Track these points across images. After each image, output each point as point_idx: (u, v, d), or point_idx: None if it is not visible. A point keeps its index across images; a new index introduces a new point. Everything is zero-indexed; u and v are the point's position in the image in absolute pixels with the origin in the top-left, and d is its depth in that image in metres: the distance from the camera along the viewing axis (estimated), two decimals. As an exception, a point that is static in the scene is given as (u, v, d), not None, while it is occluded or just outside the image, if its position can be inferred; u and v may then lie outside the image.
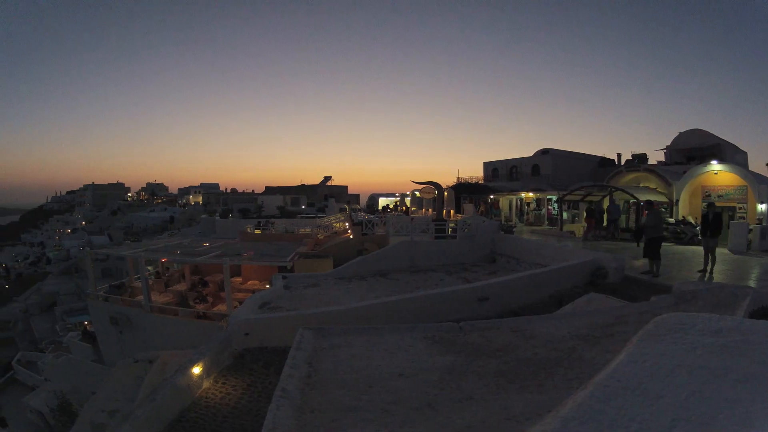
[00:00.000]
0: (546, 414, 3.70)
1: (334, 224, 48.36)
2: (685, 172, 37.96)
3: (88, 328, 49.51)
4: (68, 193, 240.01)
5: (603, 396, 3.52)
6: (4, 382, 40.56)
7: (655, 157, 60.03)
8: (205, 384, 11.37)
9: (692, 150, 53.23)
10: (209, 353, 12.11)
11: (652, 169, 41.73)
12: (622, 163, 60.43)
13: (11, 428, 30.90)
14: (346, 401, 6.37)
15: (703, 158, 44.49)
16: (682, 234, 29.53)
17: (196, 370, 11.30)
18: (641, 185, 39.95)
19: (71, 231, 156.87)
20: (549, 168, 62.91)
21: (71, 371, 32.72)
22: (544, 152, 66.21)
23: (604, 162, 64.83)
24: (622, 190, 37.12)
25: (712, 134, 53.64)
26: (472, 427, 5.57)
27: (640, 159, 58.83)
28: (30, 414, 30.14)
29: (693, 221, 31.85)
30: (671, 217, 35.48)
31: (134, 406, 11.19)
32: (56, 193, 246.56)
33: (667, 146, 57.16)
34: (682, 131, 56.48)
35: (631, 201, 36.61)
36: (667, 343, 4.18)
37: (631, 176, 42.60)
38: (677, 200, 36.59)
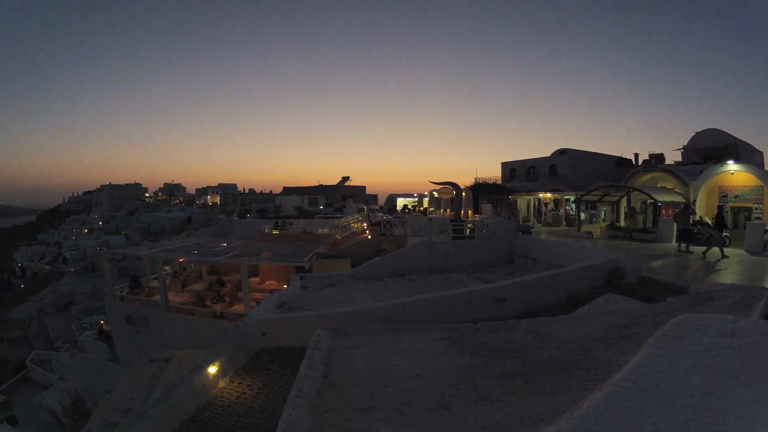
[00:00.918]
0: (561, 415, 3.70)
1: (352, 225, 48.29)
2: (701, 172, 37.62)
3: (104, 327, 49.61)
4: (85, 193, 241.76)
5: (619, 397, 3.54)
6: (17, 380, 40.79)
7: (672, 156, 59.66)
8: (221, 383, 11.41)
9: (709, 150, 52.74)
10: (225, 352, 12.14)
11: (669, 169, 41.26)
12: (639, 163, 60.02)
13: (22, 426, 30.99)
14: (362, 401, 6.39)
15: (720, 158, 44.06)
16: (699, 235, 29.29)
17: (212, 369, 11.34)
18: (658, 185, 39.52)
19: (88, 231, 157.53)
20: (566, 168, 62.73)
21: (86, 370, 32.79)
22: (562, 152, 65.91)
23: (622, 162, 64.52)
24: (640, 191, 36.80)
25: (729, 134, 53.19)
26: (487, 428, 5.58)
27: (657, 159, 58.50)
28: (42, 412, 30.27)
29: (710, 222, 31.65)
30: None
31: (148, 405, 11.23)
32: (73, 194, 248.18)
33: (684, 146, 56.76)
34: (698, 131, 56.16)
35: (649, 202, 36.36)
36: (683, 344, 4.19)
37: (648, 176, 42.11)
38: (694, 200, 36.18)
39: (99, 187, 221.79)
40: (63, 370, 36.07)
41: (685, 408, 3.19)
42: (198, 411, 10.35)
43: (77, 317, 70.63)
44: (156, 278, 33.96)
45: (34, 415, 31.42)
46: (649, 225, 35.32)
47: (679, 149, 57.52)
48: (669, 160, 57.42)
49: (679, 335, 4.34)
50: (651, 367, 3.90)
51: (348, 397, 6.52)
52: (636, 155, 64.21)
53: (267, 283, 34.36)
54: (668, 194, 36.48)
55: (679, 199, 36.22)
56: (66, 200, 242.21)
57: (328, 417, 5.91)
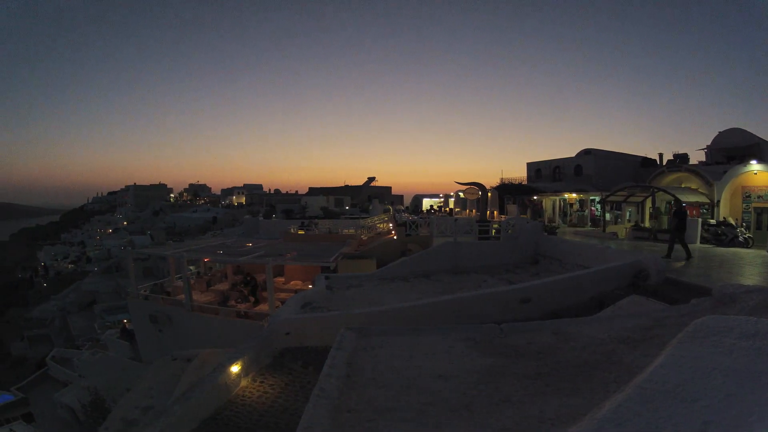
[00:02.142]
0: (581, 417, 3.71)
1: (378, 225, 48.30)
2: (725, 173, 37.37)
3: (126, 326, 49.88)
4: (110, 194, 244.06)
5: (640, 398, 3.57)
6: (36, 378, 40.99)
7: (696, 156, 59.27)
8: (243, 382, 11.47)
9: (732, 150, 52.14)
10: (249, 352, 12.20)
11: (694, 169, 40.90)
12: (664, 163, 59.54)
13: (38, 424, 31.15)
14: (384, 402, 6.42)
15: (743, 158, 43.60)
16: (723, 236, 29.05)
17: (235, 368, 11.39)
18: (683, 185, 39.24)
19: (112, 231, 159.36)
20: (591, 168, 62.31)
21: (107, 368, 33.05)
22: (587, 152, 65.67)
23: (646, 162, 63.86)
24: (664, 191, 36.46)
25: (752, 134, 52.68)
26: (506, 429, 5.58)
27: (681, 159, 57.82)
28: (60, 410, 30.40)
29: (733, 222, 31.37)
30: (712, 218, 34.76)
31: (169, 403, 11.28)
32: (97, 194, 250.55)
33: (707, 146, 56.37)
34: (721, 130, 55.76)
35: (673, 202, 36.09)
36: (705, 346, 4.19)
37: (673, 176, 41.80)
38: (718, 201, 35.94)
39: (123, 187, 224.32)
40: (83, 368, 36.31)
41: (705, 410, 3.20)
42: (219, 409, 10.42)
43: (100, 316, 71.24)
44: (181, 278, 34.09)
45: (52, 413, 31.59)
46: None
47: (703, 149, 57.09)
48: (693, 160, 56.81)
49: (702, 337, 4.33)
50: (673, 368, 3.90)
51: (370, 397, 6.55)
52: (660, 155, 63.82)
53: (292, 283, 34.43)
54: (693, 194, 36.20)
55: (704, 199, 36.00)
56: (90, 201, 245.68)
57: (349, 417, 5.94)
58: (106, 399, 27.27)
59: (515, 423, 5.66)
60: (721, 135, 55.33)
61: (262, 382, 11.58)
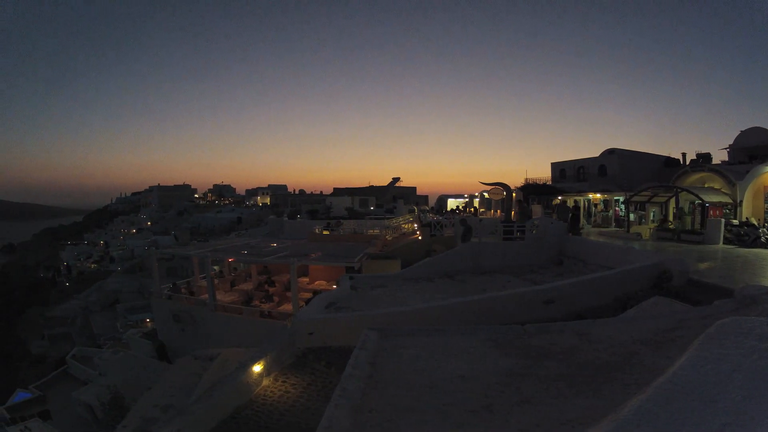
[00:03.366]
0: (601, 419, 3.74)
1: (403, 225, 48.34)
2: (747, 172, 37.08)
3: (148, 325, 50.19)
4: (133, 194, 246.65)
5: (661, 399, 3.59)
6: (55, 376, 41.17)
7: (720, 156, 58.86)
8: (265, 382, 11.55)
9: (754, 149, 51.57)
10: (271, 351, 12.29)
11: (716, 169, 40.50)
12: (687, 162, 59.07)
13: (55, 421, 31.30)
14: (405, 402, 6.44)
15: (765, 157, 43.37)
16: (745, 236, 28.79)
17: (257, 368, 11.47)
18: (706, 185, 38.89)
19: (136, 231, 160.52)
20: (615, 168, 62.20)
21: (128, 367, 33.16)
22: (611, 152, 65.57)
23: (670, 162, 63.55)
24: (688, 191, 36.39)
25: (774, 132, 52.37)
26: (526, 431, 5.59)
27: (704, 158, 57.41)
28: (78, 407, 30.56)
29: (756, 223, 31.12)
30: (735, 218, 34.34)
31: (189, 402, 11.35)
32: (121, 194, 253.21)
33: (729, 145, 55.98)
34: (743, 129, 55.28)
35: (696, 202, 35.91)
36: (726, 347, 4.19)
37: (696, 176, 41.45)
38: (741, 201, 35.59)
39: (147, 188, 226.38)
40: (104, 367, 36.48)
41: (723, 411, 3.22)
42: (239, 408, 10.52)
43: (122, 315, 71.53)
44: (204, 278, 34.26)
45: (70, 411, 31.76)
46: (697, 226, 34.77)
47: (725, 148, 56.73)
48: (716, 160, 56.38)
49: (723, 338, 4.33)
50: (693, 370, 3.92)
51: (392, 397, 6.58)
52: (683, 155, 63.40)
53: (316, 283, 34.60)
54: (716, 195, 35.91)
55: (726, 199, 35.71)
56: (114, 201, 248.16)
57: (370, 417, 5.97)
58: (126, 397, 27.40)
59: (535, 424, 5.68)
60: (743, 134, 54.86)
61: (284, 381, 11.65)
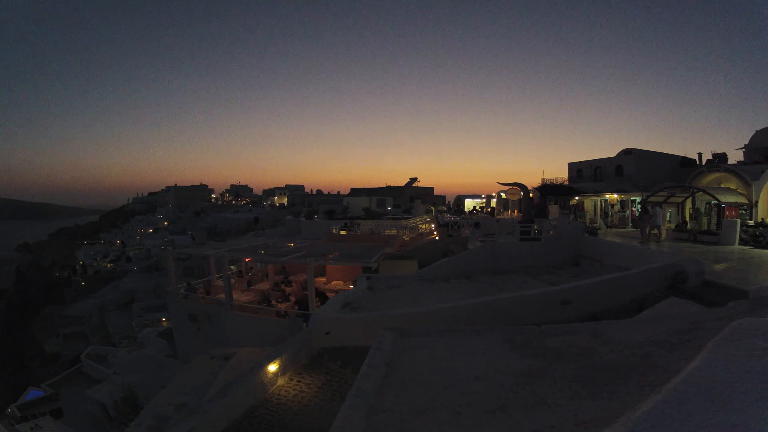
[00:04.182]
0: (615, 420, 3.75)
1: (420, 226, 48.13)
2: (762, 172, 36.84)
3: (165, 325, 50.35)
4: (150, 194, 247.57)
5: (675, 401, 3.60)
6: (69, 375, 41.41)
7: (735, 156, 58.52)
8: (280, 381, 11.61)
9: (768, 149, 51.64)
10: (287, 351, 12.36)
11: (732, 169, 40.21)
12: (703, 162, 59.18)
13: (67, 419, 31.39)
14: (420, 402, 6.48)
15: (780, 157, 43.32)
16: (761, 237, 28.61)
17: (272, 367, 11.53)
18: (722, 185, 38.70)
19: (153, 231, 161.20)
20: (632, 168, 62.17)
21: (143, 365, 33.38)
22: (627, 152, 65.48)
23: (686, 162, 63.34)
24: (704, 191, 36.19)
25: (788, 132, 52.03)
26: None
27: (720, 158, 57.02)
28: (91, 405, 30.70)
29: None
30: (750, 219, 34.24)
31: (204, 401, 11.39)
32: (138, 195, 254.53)
33: (745, 145, 55.65)
34: (758, 129, 54.91)
35: (713, 203, 35.72)
36: (739, 349, 4.22)
37: (712, 176, 41.29)
38: (756, 201, 35.40)
39: (164, 188, 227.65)
40: (119, 365, 36.71)
41: (734, 413, 3.24)
42: (253, 408, 10.56)
43: (138, 314, 71.90)
44: (221, 277, 34.34)
45: (82, 409, 31.87)
46: (713, 227, 34.58)
47: (741, 148, 56.39)
48: (732, 160, 56.01)
49: (736, 340, 4.35)
50: (707, 371, 3.95)
51: (407, 397, 6.63)
52: (699, 155, 63.41)
53: (333, 283, 34.60)
54: (732, 195, 35.71)
55: (742, 200, 35.50)
56: (130, 201, 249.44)
57: (384, 417, 6.02)
58: (140, 396, 27.48)
59: (549, 426, 5.71)
60: (759, 134, 54.45)
61: (299, 381, 11.70)
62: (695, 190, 37.44)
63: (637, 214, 43.23)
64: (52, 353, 72.40)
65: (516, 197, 41.99)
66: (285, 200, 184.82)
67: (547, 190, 57.81)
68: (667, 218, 39.88)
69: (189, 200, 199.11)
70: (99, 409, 30.33)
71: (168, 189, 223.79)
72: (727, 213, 33.18)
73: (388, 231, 44.43)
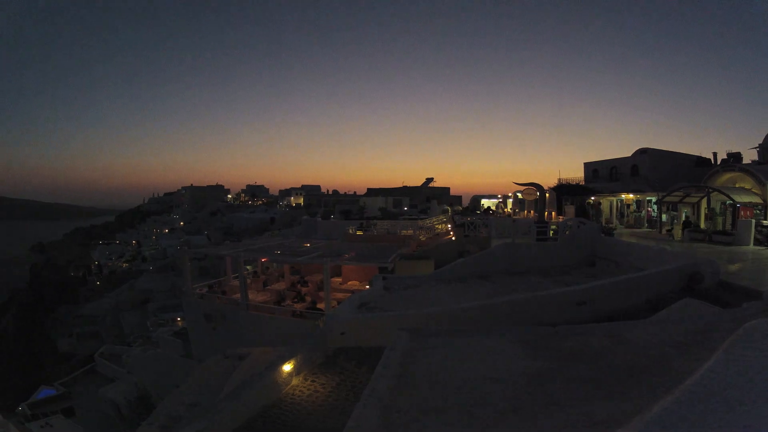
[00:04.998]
0: (627, 422, 3.76)
1: (436, 226, 48.20)
2: (776, 171, 36.67)
3: (180, 324, 50.49)
4: (166, 194, 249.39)
5: (689, 402, 3.62)
6: (82, 373, 41.58)
7: (749, 155, 58.40)
8: (294, 381, 11.63)
9: (781, 148, 51.50)
10: (302, 351, 12.41)
11: (747, 169, 40.09)
12: (718, 162, 58.72)
13: (79, 418, 31.48)
14: (433, 402, 6.48)
15: (794, 156, 43.22)
16: None
17: (287, 367, 11.56)
18: (737, 185, 38.54)
19: (168, 231, 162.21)
20: (647, 168, 62.03)
21: (157, 365, 33.41)
22: (643, 152, 65.27)
23: (701, 161, 63.15)
24: (719, 191, 36.28)
25: (802, 131, 51.87)
26: (552, 433, 5.58)
27: (734, 158, 56.80)
28: (103, 404, 30.78)
29: None
30: (765, 219, 33.90)
31: (217, 400, 11.42)
32: (153, 195, 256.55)
33: (759, 144, 55.45)
34: (770, 128, 54.73)
35: (728, 203, 35.64)
36: (753, 350, 4.23)
37: (727, 176, 41.12)
38: (769, 201, 35.33)
39: (180, 188, 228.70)
40: (133, 364, 36.78)
41: (746, 414, 3.26)
42: (267, 408, 10.57)
43: (153, 314, 72.05)
44: (237, 277, 34.41)
45: (95, 408, 31.97)
46: (728, 227, 34.52)
47: (755, 147, 56.17)
48: (746, 159, 55.79)
49: (750, 341, 4.36)
50: (720, 372, 3.96)
51: (420, 398, 6.62)
52: (714, 154, 63.11)
53: (349, 283, 34.73)
54: (746, 195, 35.56)
55: (757, 199, 35.34)
56: (146, 201, 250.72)
57: (398, 417, 6.02)
58: (153, 395, 27.58)
59: (562, 427, 5.71)
60: (771, 133, 54.32)
61: (313, 381, 11.71)
62: (710, 190, 37.33)
63: (653, 214, 43.21)
64: (66, 352, 72.65)
65: (532, 197, 42.17)
66: (301, 200, 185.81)
67: (563, 190, 57.88)
68: (682, 218, 39.81)
69: (205, 200, 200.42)
70: (111, 408, 30.39)
71: (184, 189, 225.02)
72: (743, 213, 33.06)
73: (405, 231, 44.47)
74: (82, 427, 30.43)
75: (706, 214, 37.51)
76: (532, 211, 47.76)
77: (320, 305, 30.38)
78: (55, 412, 31.71)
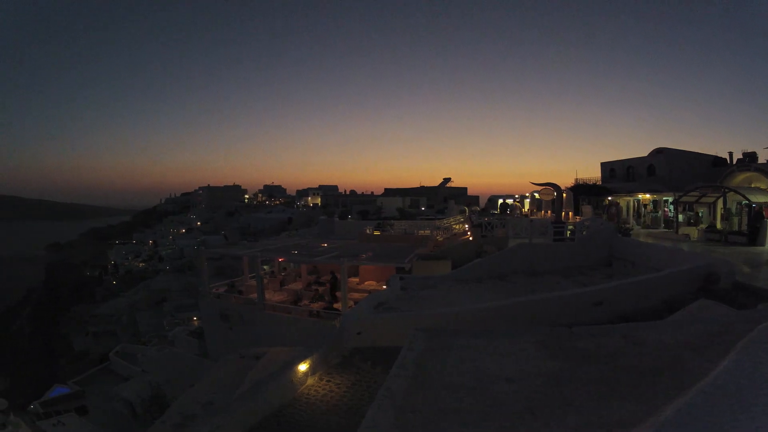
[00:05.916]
0: (640, 423, 3.79)
1: (454, 226, 47.92)
2: (790, 171, 36.54)
3: (196, 324, 50.64)
4: (183, 194, 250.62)
5: (702, 403, 3.65)
6: (97, 372, 41.64)
7: (765, 155, 58.21)
8: (310, 381, 11.75)
9: (794, 147, 51.28)
10: (318, 351, 12.54)
11: (762, 168, 40.18)
12: (734, 161, 58.73)
13: (92, 416, 31.56)
14: (449, 403, 6.50)
15: (807, 156, 43.03)
16: None
17: (303, 367, 11.67)
18: (752, 185, 38.57)
19: (185, 231, 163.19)
20: (664, 168, 62.20)
21: (172, 364, 33.54)
22: (659, 152, 65.35)
23: (717, 161, 63.26)
24: (735, 191, 36.04)
25: (815, 130, 51.80)
26: (566, 434, 5.61)
27: (750, 157, 56.59)
28: (117, 403, 30.83)
29: None
30: None
31: (232, 399, 11.48)
32: (170, 195, 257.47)
33: (772, 143, 55.25)
34: (783, 128, 54.54)
35: (744, 203, 35.51)
36: (766, 352, 4.22)
37: (742, 176, 41.33)
38: (783, 201, 35.13)
39: (197, 188, 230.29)
40: (148, 363, 36.94)
41: (759, 416, 3.29)
42: (282, 407, 10.67)
43: (170, 313, 72.37)
44: (254, 277, 34.63)
45: (108, 406, 32.04)
46: (744, 227, 34.28)
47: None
48: (762, 159, 55.58)
49: (765, 343, 4.40)
50: (733, 374, 4.00)
51: (435, 398, 6.64)
52: (730, 154, 62.74)
53: (366, 283, 34.69)
54: (762, 195, 35.40)
55: None
56: (163, 201, 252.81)
57: (412, 417, 6.04)
58: (168, 394, 27.64)
59: (576, 428, 5.74)
60: (785, 132, 54.17)
61: (328, 381, 11.82)
62: (726, 190, 37.09)
63: (670, 214, 43.08)
64: (81, 351, 72.92)
65: (549, 197, 42.47)
66: (318, 200, 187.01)
67: (580, 190, 57.95)
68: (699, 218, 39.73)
69: (222, 200, 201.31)
70: (125, 407, 30.47)
71: (201, 189, 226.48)
72: (765, 213, 32.83)
73: (422, 231, 44.42)
74: (96, 425, 30.49)
75: (722, 215, 37.27)
76: (549, 212, 47.68)
77: (337, 305, 30.41)
78: (68, 411, 31.79)
